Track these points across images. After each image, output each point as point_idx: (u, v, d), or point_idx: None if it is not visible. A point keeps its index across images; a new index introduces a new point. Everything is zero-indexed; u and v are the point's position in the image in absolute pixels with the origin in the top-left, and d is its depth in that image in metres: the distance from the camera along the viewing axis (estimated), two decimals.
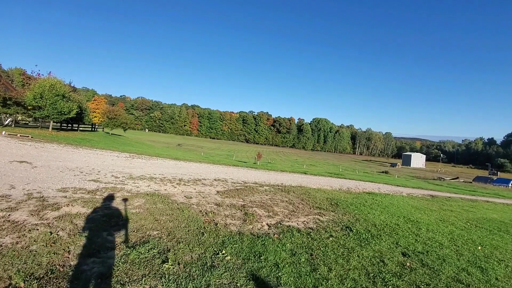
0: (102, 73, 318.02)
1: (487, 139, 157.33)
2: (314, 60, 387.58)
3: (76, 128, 37.01)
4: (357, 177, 22.76)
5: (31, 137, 15.94)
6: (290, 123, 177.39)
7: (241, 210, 6.35)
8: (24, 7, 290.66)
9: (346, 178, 19.87)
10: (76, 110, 24.34)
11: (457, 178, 49.09)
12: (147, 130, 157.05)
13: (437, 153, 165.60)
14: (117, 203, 5.52)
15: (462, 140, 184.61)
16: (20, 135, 15.76)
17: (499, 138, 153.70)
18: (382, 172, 58.82)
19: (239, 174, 13.45)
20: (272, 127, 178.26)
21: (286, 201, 8.13)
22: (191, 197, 6.97)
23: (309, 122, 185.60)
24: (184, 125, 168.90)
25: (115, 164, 11.10)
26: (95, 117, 42.10)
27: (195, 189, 8.32)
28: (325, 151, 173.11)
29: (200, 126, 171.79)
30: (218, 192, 8.27)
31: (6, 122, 21.35)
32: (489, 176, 66.64)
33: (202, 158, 23.72)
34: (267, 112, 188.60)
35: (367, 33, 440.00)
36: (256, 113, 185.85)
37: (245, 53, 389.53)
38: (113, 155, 14.20)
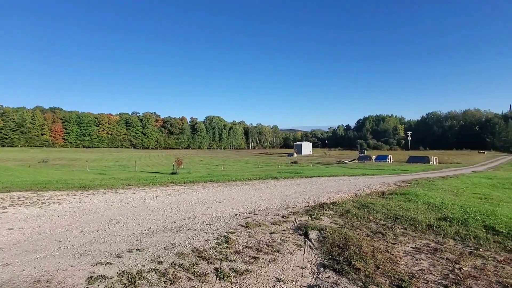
0: None
1: (345, 126, 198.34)
2: (205, 57, 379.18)
3: None
4: (367, 171, 20.21)
5: None
6: (183, 123, 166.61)
7: None
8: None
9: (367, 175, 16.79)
10: None
11: (355, 160, 56.71)
12: None
13: (314, 140, 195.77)
14: None
15: (328, 128, 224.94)
16: None
17: (353, 124, 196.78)
18: (291, 162, 61.63)
19: (255, 201, 7.56)
20: (162, 129, 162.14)
21: None
22: None
23: (203, 120, 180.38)
24: (42, 134, 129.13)
25: None
26: None
27: None
28: (221, 149, 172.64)
29: (67, 133, 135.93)
30: None
31: None
32: (360, 155, 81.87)
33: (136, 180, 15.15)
34: (155, 113, 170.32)
35: (261, 27, 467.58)
36: (141, 114, 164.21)
37: (124, 48, 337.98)
38: None
